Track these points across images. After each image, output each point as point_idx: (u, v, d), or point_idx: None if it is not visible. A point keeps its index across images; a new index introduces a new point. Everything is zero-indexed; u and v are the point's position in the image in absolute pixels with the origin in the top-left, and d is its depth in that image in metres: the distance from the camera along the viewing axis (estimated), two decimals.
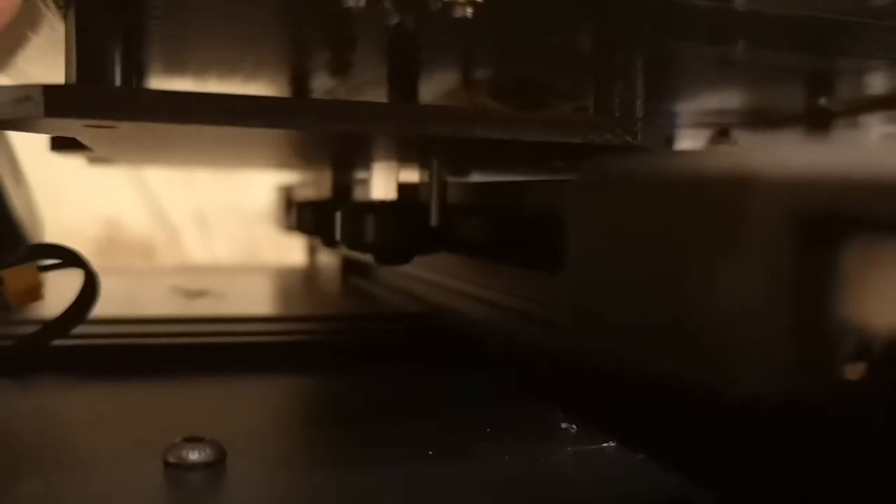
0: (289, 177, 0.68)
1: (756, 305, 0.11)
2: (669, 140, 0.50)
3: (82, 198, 0.95)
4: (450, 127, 0.23)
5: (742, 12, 0.23)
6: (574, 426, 0.26)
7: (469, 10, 0.19)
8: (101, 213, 1.00)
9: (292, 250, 0.79)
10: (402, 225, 0.34)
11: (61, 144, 0.43)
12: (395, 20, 0.23)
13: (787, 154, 0.12)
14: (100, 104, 0.19)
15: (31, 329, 0.33)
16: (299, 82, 0.37)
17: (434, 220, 0.34)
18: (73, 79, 0.21)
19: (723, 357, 0.12)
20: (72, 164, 0.64)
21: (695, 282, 0.12)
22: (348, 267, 0.61)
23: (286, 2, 0.24)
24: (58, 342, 0.32)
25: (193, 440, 0.22)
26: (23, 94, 0.19)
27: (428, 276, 0.46)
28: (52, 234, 0.61)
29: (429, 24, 0.24)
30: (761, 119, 0.47)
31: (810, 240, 0.11)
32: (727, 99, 0.42)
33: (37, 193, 0.58)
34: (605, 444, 0.24)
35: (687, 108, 0.44)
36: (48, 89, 0.19)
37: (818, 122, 0.44)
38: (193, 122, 0.20)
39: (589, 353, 0.16)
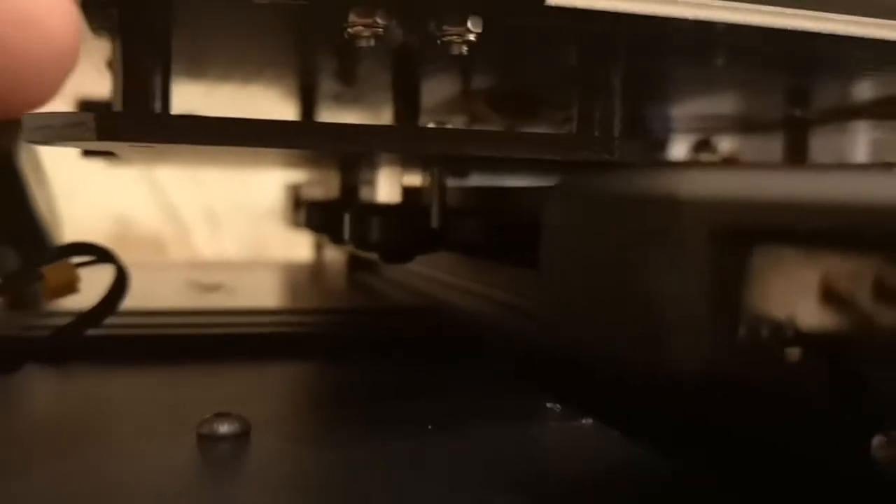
0: (297, 175, 0.70)
1: (682, 300, 0.14)
2: (662, 144, 0.53)
3: (95, 195, 0.97)
4: (445, 146, 0.26)
5: (720, 33, 0.26)
6: (558, 406, 0.29)
7: (464, 49, 0.22)
8: (113, 210, 1.02)
9: (299, 247, 0.80)
10: (405, 227, 0.36)
11: (91, 152, 0.46)
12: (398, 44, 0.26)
13: (707, 178, 0.15)
14: (144, 129, 0.22)
15: (67, 320, 0.34)
16: (310, 92, 0.41)
17: (434, 223, 0.37)
18: (120, 103, 0.24)
19: (657, 342, 0.15)
20: (86, 163, 0.66)
21: (639, 280, 0.15)
22: (354, 263, 0.63)
23: (301, 33, 0.27)
24: (91, 332, 0.34)
25: (223, 415, 0.25)
26: (76, 119, 0.22)
27: (430, 272, 0.49)
28: (67, 230, 0.63)
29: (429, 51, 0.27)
30: (747, 125, 0.50)
31: (726, 247, 0.14)
32: (711, 106, 0.45)
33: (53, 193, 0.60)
34: (584, 422, 0.28)
35: (677, 114, 0.47)
36: (100, 117, 0.22)
37: (797, 129, 0.47)
38: (222, 144, 0.23)
39: (562, 340, 0.19)
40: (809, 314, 0.14)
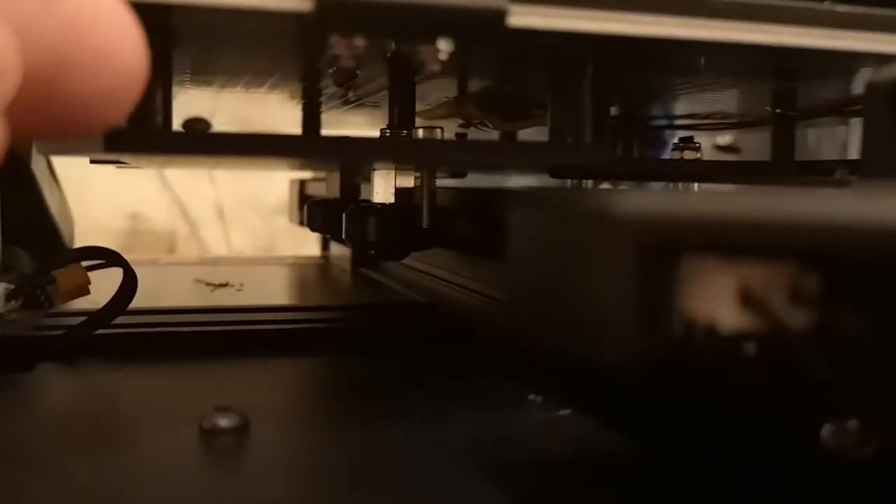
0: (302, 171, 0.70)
1: (616, 301, 0.16)
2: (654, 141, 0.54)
3: (107, 194, 0.98)
4: (432, 155, 0.28)
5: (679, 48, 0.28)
6: (539, 397, 0.31)
7: (437, 67, 0.24)
8: (125, 208, 1.04)
9: (308, 242, 0.81)
10: (398, 227, 0.38)
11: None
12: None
13: (638, 198, 0.17)
14: (148, 144, 0.24)
15: (78, 320, 0.37)
16: (312, 95, 0.42)
17: (425, 223, 0.38)
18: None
19: (593, 334, 0.17)
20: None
21: (579, 282, 0.17)
22: (358, 258, 0.65)
23: (294, 49, 0.29)
24: (102, 331, 0.36)
25: (223, 409, 0.27)
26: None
27: (426, 268, 0.50)
28: (79, 229, 0.65)
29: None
30: (734, 122, 0.52)
31: (653, 257, 0.16)
32: (699, 106, 0.46)
33: (65, 191, 0.62)
34: (562, 413, 0.29)
35: (665, 111, 0.49)
36: (106, 134, 0.24)
37: (782, 124, 0.48)
38: (223, 156, 0.25)
39: (523, 330, 0.21)
40: (730, 315, 0.16)
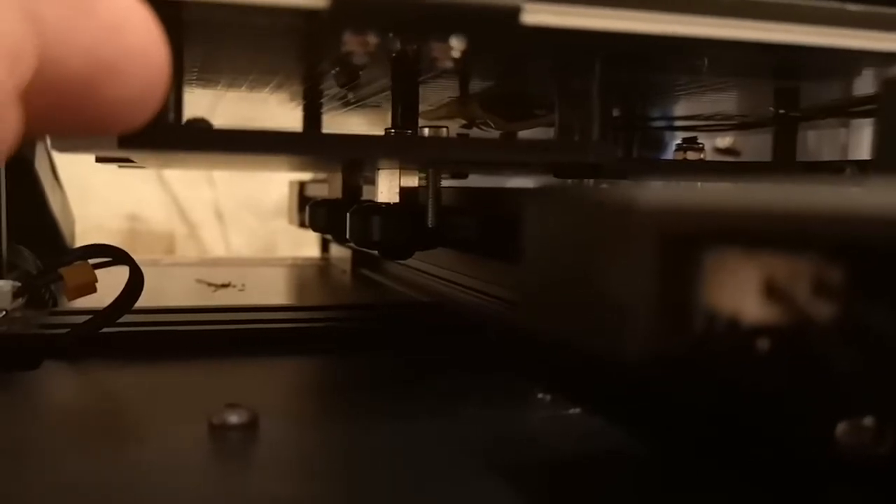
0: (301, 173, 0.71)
1: (639, 296, 0.16)
2: (660, 144, 0.55)
3: (107, 195, 0.98)
4: (439, 152, 0.28)
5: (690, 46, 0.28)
6: (548, 396, 0.31)
7: (450, 64, 0.24)
8: (125, 209, 1.03)
9: (305, 244, 0.82)
10: (403, 226, 0.38)
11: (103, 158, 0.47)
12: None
13: (658, 190, 0.17)
14: (161, 139, 0.24)
15: (84, 319, 0.36)
16: (314, 96, 0.42)
17: (431, 222, 0.39)
18: None
19: (612, 329, 0.17)
20: (97, 164, 0.67)
21: (601, 278, 0.17)
22: (358, 259, 0.65)
23: (302, 48, 0.29)
24: (107, 329, 0.36)
25: (233, 406, 0.27)
26: None
27: (427, 268, 0.50)
28: (79, 229, 0.65)
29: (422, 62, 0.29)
30: (736, 123, 0.52)
31: (675, 249, 0.16)
32: (701, 107, 0.47)
33: (66, 191, 0.62)
34: (571, 411, 0.29)
35: (668, 113, 0.49)
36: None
37: (785, 125, 0.48)
38: (233, 152, 0.25)
39: (539, 329, 0.21)
40: (754, 309, 0.16)
